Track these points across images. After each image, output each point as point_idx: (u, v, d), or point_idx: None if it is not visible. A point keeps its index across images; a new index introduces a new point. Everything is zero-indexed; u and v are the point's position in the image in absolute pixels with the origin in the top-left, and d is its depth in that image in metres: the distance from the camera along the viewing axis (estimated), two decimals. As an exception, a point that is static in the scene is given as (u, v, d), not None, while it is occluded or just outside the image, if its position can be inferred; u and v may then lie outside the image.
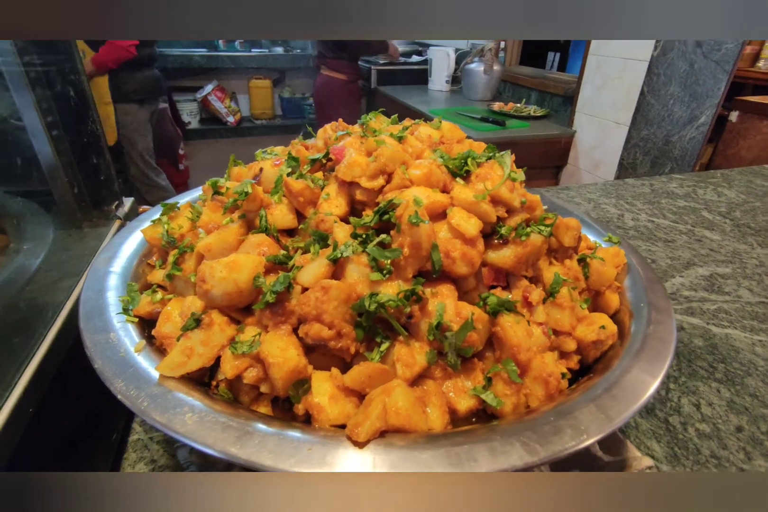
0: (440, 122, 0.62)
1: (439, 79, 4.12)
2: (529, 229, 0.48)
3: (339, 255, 0.42)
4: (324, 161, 0.56)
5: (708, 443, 0.73)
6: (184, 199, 0.72)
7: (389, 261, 0.42)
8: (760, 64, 4.86)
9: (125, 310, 0.49)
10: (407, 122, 0.64)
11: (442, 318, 0.41)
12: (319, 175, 0.55)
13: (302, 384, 0.40)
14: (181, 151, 4.68)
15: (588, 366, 0.50)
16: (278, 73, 6.69)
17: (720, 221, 1.47)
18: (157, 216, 0.67)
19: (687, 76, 2.62)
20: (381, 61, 4.42)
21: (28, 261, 0.61)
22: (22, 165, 0.71)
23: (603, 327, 0.48)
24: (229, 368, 0.40)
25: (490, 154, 0.51)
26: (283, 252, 0.47)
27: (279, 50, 6.35)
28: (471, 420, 0.44)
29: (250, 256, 0.43)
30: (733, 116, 3.42)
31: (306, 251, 0.47)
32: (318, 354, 0.43)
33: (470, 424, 0.44)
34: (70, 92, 0.72)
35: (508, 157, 0.50)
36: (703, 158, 3.54)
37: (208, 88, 6.35)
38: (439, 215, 0.47)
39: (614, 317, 0.57)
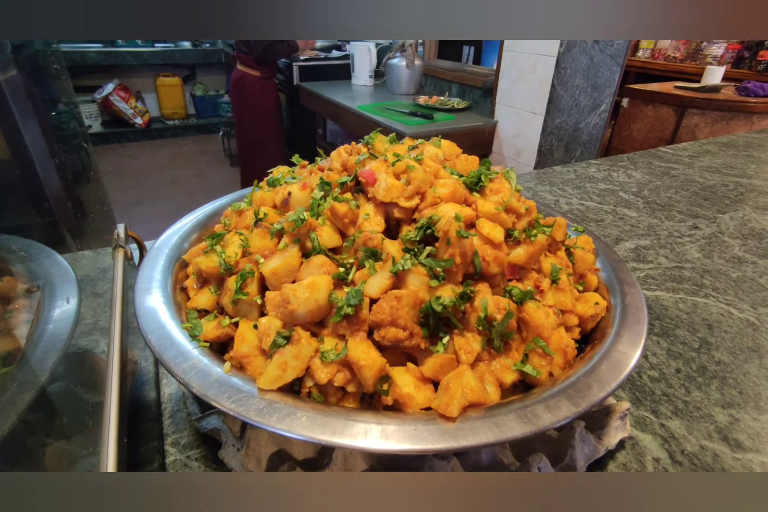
0: (440, 140, 0.71)
1: (362, 74, 4.17)
2: (535, 231, 0.59)
3: (400, 268, 0.50)
4: (350, 183, 0.63)
5: (658, 385, 0.91)
6: (186, 225, 0.75)
7: (442, 269, 0.51)
8: (639, 53, 5.49)
9: (193, 337, 0.53)
10: (409, 142, 0.72)
11: (487, 311, 0.51)
12: (348, 195, 0.62)
13: (385, 380, 0.48)
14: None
15: (585, 335, 0.64)
16: (187, 69, 6.28)
17: (634, 200, 1.72)
18: (170, 243, 0.70)
19: (588, 68, 2.94)
20: (302, 58, 4.36)
21: (58, 302, 0.62)
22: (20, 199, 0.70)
23: (597, 303, 0.61)
24: (323, 375, 0.46)
25: (497, 171, 0.61)
26: (341, 269, 0.53)
27: (186, 45, 5.94)
28: (514, 391, 0.55)
29: (323, 277, 0.49)
30: (625, 102, 3.88)
31: (360, 266, 0.54)
32: (388, 353, 0.51)
33: (513, 393, 0.54)
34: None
35: (513, 173, 0.61)
36: (603, 140, 3.99)
37: (109, 87, 5.83)
38: (468, 226, 0.56)
39: (596, 292, 0.70)
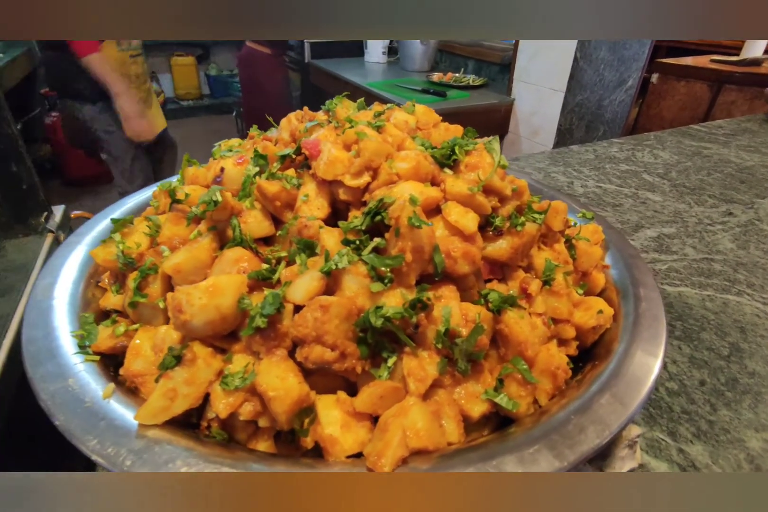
0: (413, 106, 0.57)
1: (375, 51, 3.99)
2: (523, 218, 0.46)
3: (333, 266, 0.38)
4: (294, 157, 0.51)
5: (678, 400, 0.78)
6: (127, 205, 0.64)
7: (388, 268, 0.38)
8: (674, 26, 5.10)
9: (82, 348, 0.42)
10: (378, 107, 0.59)
11: (449, 324, 0.39)
12: (291, 172, 0.49)
13: (307, 414, 0.36)
14: (100, 139, 4.24)
15: (586, 350, 0.51)
16: (201, 48, 6.19)
17: (659, 182, 1.55)
18: (98, 227, 0.58)
19: (615, 40, 2.70)
20: (312, 32, 4.18)
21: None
22: None
23: (601, 311, 0.48)
24: (222, 407, 0.35)
25: (476, 142, 0.47)
26: (264, 266, 0.42)
27: (197, 21, 5.84)
28: (483, 424, 0.43)
29: (232, 277, 0.38)
30: (654, 78, 3.60)
31: (291, 262, 0.42)
32: (318, 376, 0.39)
33: (481, 428, 0.42)
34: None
35: (497, 143, 0.47)
36: (630, 119, 3.73)
37: (121, 66, 5.76)
38: (432, 211, 0.43)
39: (601, 296, 0.57)
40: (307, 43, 4.14)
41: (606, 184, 1.52)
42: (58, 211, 0.73)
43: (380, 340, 0.38)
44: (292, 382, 0.36)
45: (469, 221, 0.41)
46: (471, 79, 3.35)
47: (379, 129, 0.49)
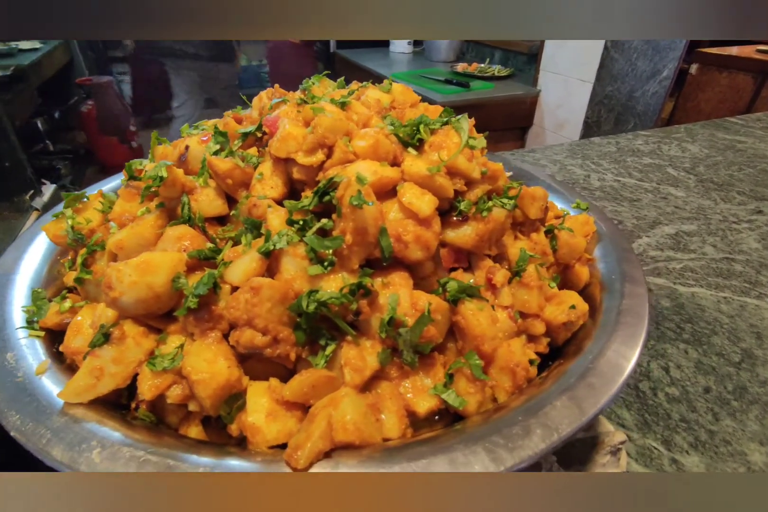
0: (390, 84, 0.54)
1: (400, 41, 3.93)
2: (490, 203, 0.42)
3: (272, 246, 0.36)
4: (259, 135, 0.49)
5: (677, 407, 0.73)
6: (104, 186, 0.63)
7: (331, 251, 0.36)
8: (720, 14, 4.81)
9: (30, 323, 0.42)
10: (354, 85, 0.56)
11: (394, 312, 0.36)
12: (254, 151, 0.47)
13: (237, 400, 0.35)
14: (132, 128, 4.36)
15: (558, 348, 0.47)
16: (229, 37, 6.28)
17: (684, 177, 1.46)
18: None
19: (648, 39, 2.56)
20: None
21: None
22: None
23: (573, 306, 0.44)
24: (147, 388, 0.34)
25: (445, 119, 0.44)
26: (209, 245, 0.40)
27: (226, 11, 5.91)
28: (434, 419, 0.40)
29: (167, 254, 0.36)
30: (693, 69, 3.41)
31: (237, 243, 0.40)
32: (255, 361, 0.37)
33: (433, 424, 0.40)
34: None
35: (466, 122, 0.44)
36: (664, 113, 3.55)
37: (157, 57, 5.88)
38: (388, 193, 0.40)
39: (584, 291, 0.53)
40: (333, 33, 4.11)
41: (625, 178, 1.44)
42: (48, 189, 0.74)
43: (318, 327, 0.36)
44: (221, 366, 0.34)
45: (424, 203, 0.38)
46: (496, 69, 3.26)
47: (344, 106, 0.46)
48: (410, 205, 0.38)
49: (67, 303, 0.41)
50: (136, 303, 0.35)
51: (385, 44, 4.15)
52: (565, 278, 0.53)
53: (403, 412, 0.37)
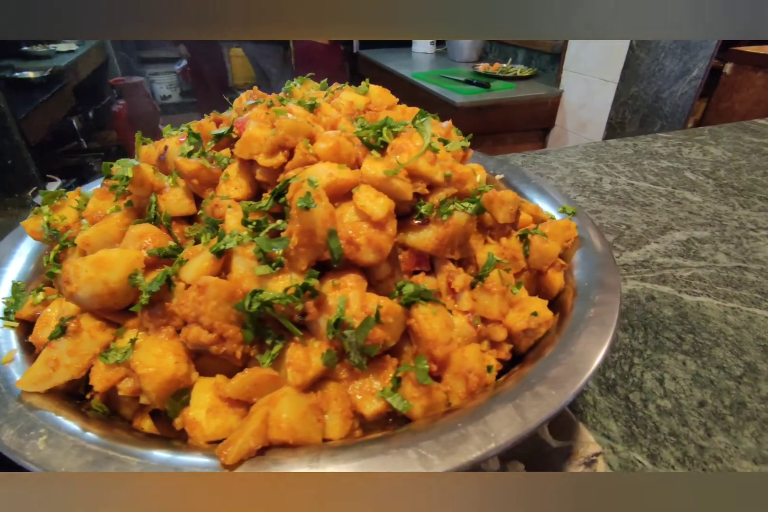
0: (368, 86, 0.54)
1: (423, 41, 3.92)
2: (452, 207, 0.42)
3: (222, 246, 0.37)
4: (234, 136, 0.50)
5: (668, 420, 0.70)
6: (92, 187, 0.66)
7: (280, 252, 0.37)
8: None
9: (6, 314, 0.44)
10: (334, 87, 0.57)
11: (342, 314, 0.37)
12: (227, 152, 0.48)
13: (184, 394, 0.36)
14: (161, 127, 4.50)
15: (523, 356, 0.46)
16: (257, 39, 6.38)
17: (702, 181, 1.40)
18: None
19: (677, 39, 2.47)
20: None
21: None
22: None
23: (535, 313, 0.43)
24: (98, 380, 0.35)
25: (409, 122, 0.44)
26: (171, 243, 0.41)
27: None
28: (387, 422, 0.40)
29: (124, 251, 0.37)
30: (728, 68, 3.26)
31: (198, 242, 0.41)
32: (209, 358, 0.38)
33: (387, 426, 0.40)
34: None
35: (429, 125, 0.43)
36: (696, 114, 3.41)
37: (187, 58, 6.03)
38: (346, 195, 0.41)
39: (558, 298, 0.52)
40: (356, 33, 4.12)
41: (639, 182, 1.40)
42: (53, 186, 0.77)
43: (265, 326, 0.36)
44: (168, 362, 0.35)
45: (378, 206, 0.38)
46: (519, 69, 3.21)
47: (312, 108, 0.47)
48: (363, 207, 0.38)
49: (40, 296, 0.43)
50: (92, 298, 0.36)
51: (407, 44, 4.14)
52: (538, 284, 0.52)
53: (349, 413, 0.37)
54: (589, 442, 0.60)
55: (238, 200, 0.43)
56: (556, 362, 0.40)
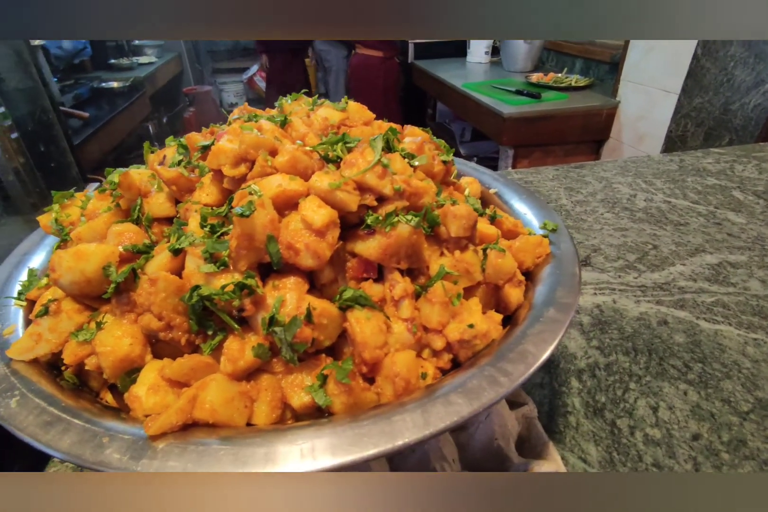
0: (347, 103, 0.58)
1: (478, 51, 3.91)
2: (396, 219, 0.45)
3: (176, 245, 0.42)
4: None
5: (653, 450, 0.67)
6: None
7: (226, 253, 0.41)
8: None
9: (20, 294, 0.52)
10: (320, 103, 0.61)
11: (277, 312, 0.40)
12: (212, 161, 0.54)
13: (135, 373, 0.41)
14: (223, 133, 4.79)
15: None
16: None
17: (752, 202, 1.30)
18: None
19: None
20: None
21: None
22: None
23: (471, 325, 0.44)
24: (68, 355, 0.41)
25: (358, 138, 0.47)
26: (146, 241, 0.47)
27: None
28: (319, 415, 0.43)
29: (100, 246, 0.44)
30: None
31: (169, 241, 0.47)
32: (162, 343, 0.43)
33: (320, 418, 0.43)
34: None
35: (380, 142, 0.46)
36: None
37: (253, 69, 6.42)
38: (295, 205, 0.44)
39: (515, 313, 0.52)
40: (411, 44, 4.19)
41: (677, 200, 1.32)
42: (91, 187, 0.87)
43: (207, 318, 0.41)
44: (124, 343, 0.41)
45: (319, 216, 0.42)
46: (574, 79, 3.11)
47: (283, 124, 0.51)
48: (305, 216, 0.42)
49: (44, 281, 0.51)
50: (71, 284, 0.43)
51: (462, 54, 4.14)
52: (497, 299, 0.53)
53: (278, 404, 0.41)
54: (553, 462, 0.60)
55: (209, 205, 0.48)
56: (479, 374, 0.41)
